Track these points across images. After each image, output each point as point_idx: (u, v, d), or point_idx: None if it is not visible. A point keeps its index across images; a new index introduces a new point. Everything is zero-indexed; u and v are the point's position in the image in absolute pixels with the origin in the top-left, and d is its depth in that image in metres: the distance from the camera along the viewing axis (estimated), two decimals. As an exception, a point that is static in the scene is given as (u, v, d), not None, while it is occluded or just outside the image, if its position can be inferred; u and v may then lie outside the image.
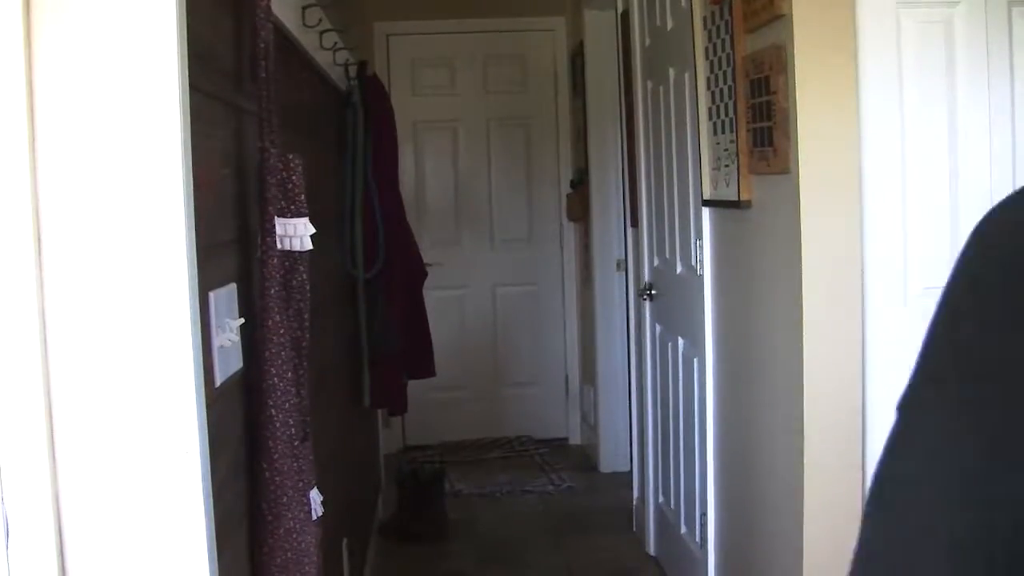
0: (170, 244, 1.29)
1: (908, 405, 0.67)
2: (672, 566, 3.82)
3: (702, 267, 3.18)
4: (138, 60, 1.27)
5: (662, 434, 3.89)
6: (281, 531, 1.66)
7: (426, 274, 4.26)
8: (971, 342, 0.60)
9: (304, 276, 1.79)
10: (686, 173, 3.33)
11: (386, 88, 4.22)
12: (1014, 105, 2.44)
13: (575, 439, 5.81)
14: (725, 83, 2.82)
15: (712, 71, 2.95)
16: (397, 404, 4.17)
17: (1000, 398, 0.55)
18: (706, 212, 3.13)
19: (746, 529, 2.90)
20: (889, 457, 0.61)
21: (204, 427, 1.34)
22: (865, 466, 2.44)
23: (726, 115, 2.83)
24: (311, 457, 1.82)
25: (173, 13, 1.28)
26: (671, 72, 3.46)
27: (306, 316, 1.81)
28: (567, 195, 5.64)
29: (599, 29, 5.07)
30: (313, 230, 1.76)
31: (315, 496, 1.85)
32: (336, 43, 3.25)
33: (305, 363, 1.82)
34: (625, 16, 4.22)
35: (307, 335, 1.82)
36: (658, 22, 3.65)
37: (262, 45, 1.71)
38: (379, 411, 4.83)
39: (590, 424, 5.56)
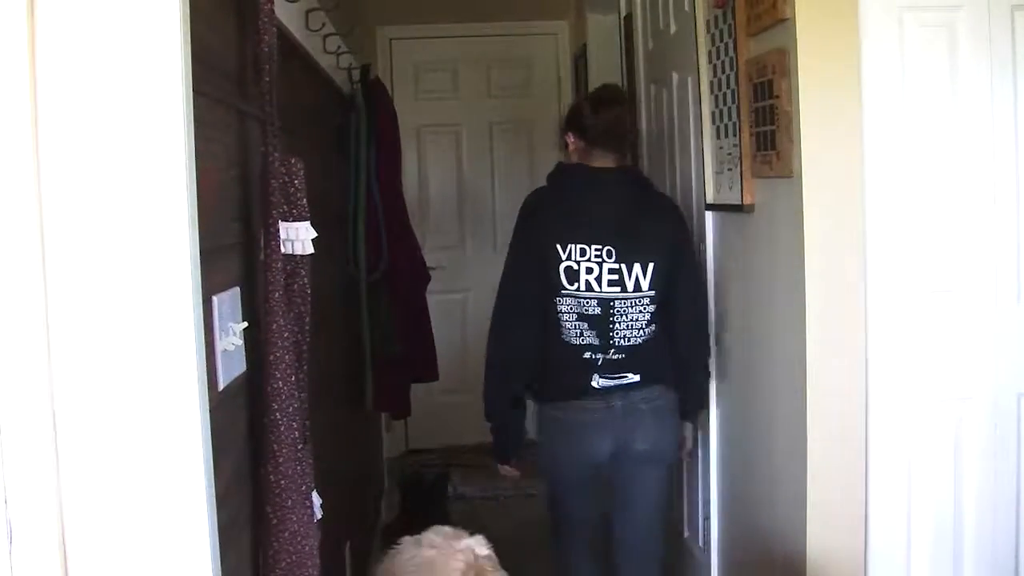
0: (173, 247, 1.29)
1: (510, 246, 2.89)
2: (675, 570, 3.81)
3: (705, 270, 3.17)
4: (141, 64, 1.27)
5: (665, 438, 3.89)
6: (286, 534, 1.66)
7: (429, 277, 4.26)
8: (519, 223, 2.85)
9: (305, 280, 1.79)
10: (689, 177, 3.33)
11: (389, 92, 4.22)
12: (1016, 107, 2.44)
13: (578, 443, 5.80)
14: (728, 87, 2.82)
15: (715, 75, 2.95)
16: (400, 407, 4.16)
17: (515, 245, 2.84)
18: (709, 216, 3.13)
19: (749, 533, 2.89)
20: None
21: (207, 431, 1.34)
22: (868, 468, 2.44)
23: (729, 119, 2.82)
24: (310, 460, 1.83)
25: (176, 17, 1.28)
26: (674, 76, 3.46)
27: (307, 320, 1.81)
28: (570, 198, 5.64)
29: (602, 33, 5.07)
30: (315, 234, 1.76)
31: (315, 499, 1.85)
32: (339, 47, 3.25)
33: (305, 366, 1.82)
34: (628, 20, 4.22)
35: (307, 338, 1.82)
36: (661, 25, 3.65)
37: (265, 49, 1.71)
38: (382, 414, 4.83)
39: (593, 428, 5.55)
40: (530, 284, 2.77)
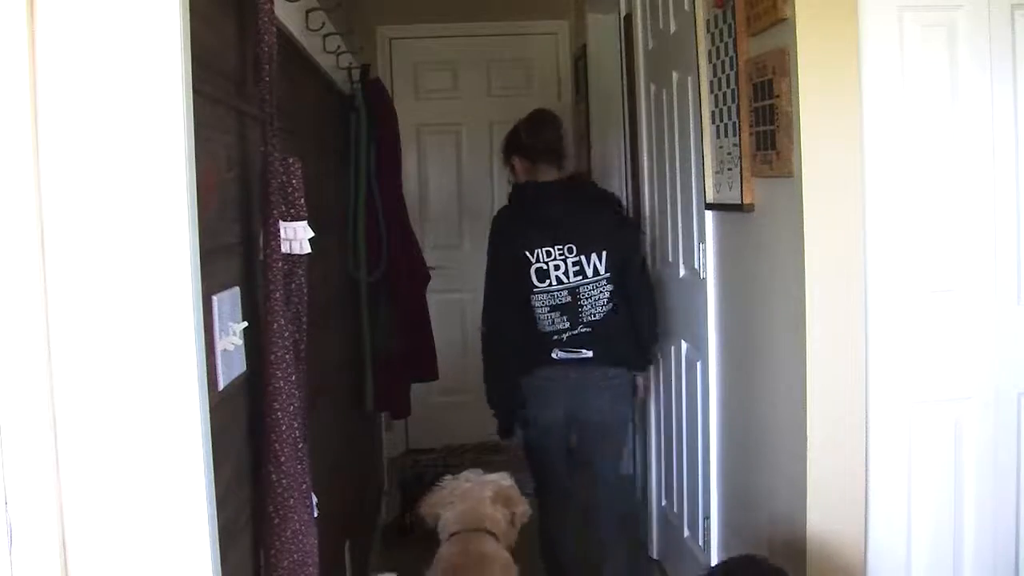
0: (173, 247, 1.29)
1: (488, 258, 3.45)
2: (675, 570, 3.81)
3: (705, 270, 3.18)
4: (141, 64, 1.27)
5: (665, 438, 3.88)
6: (288, 533, 1.66)
7: (429, 277, 4.26)
8: (492, 239, 3.44)
9: (303, 279, 1.79)
10: (689, 176, 3.33)
11: (389, 92, 4.22)
12: (1017, 107, 2.44)
13: (578, 442, 5.80)
14: (728, 86, 2.82)
15: (715, 74, 2.95)
16: (400, 407, 4.16)
17: (492, 257, 3.42)
18: (709, 215, 3.13)
19: (750, 533, 2.89)
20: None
21: (207, 432, 1.34)
22: (868, 468, 2.44)
23: (729, 118, 2.83)
24: (308, 459, 1.83)
25: (176, 17, 1.28)
26: (674, 75, 3.46)
27: (304, 319, 1.81)
28: (570, 198, 5.64)
29: (602, 32, 5.07)
30: (312, 233, 1.76)
31: (312, 497, 1.85)
32: (339, 47, 3.25)
33: (303, 365, 1.82)
34: (628, 19, 4.22)
35: (304, 337, 1.82)
36: (661, 25, 3.65)
37: (265, 49, 1.71)
38: (382, 414, 4.83)
39: (593, 427, 5.55)
40: (509, 287, 3.35)
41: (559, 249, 3.28)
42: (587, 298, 3.31)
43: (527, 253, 3.28)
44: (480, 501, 2.68)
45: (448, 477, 2.81)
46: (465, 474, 2.82)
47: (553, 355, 3.34)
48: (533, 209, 3.36)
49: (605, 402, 3.39)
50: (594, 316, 3.31)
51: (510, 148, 3.51)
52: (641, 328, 3.45)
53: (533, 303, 3.31)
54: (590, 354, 3.33)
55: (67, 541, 1.29)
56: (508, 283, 3.33)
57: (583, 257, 3.29)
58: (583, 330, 3.32)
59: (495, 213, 3.52)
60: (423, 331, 4.16)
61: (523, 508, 2.80)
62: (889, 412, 2.44)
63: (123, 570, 1.31)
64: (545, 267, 3.28)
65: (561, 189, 3.38)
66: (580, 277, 3.29)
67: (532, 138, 3.42)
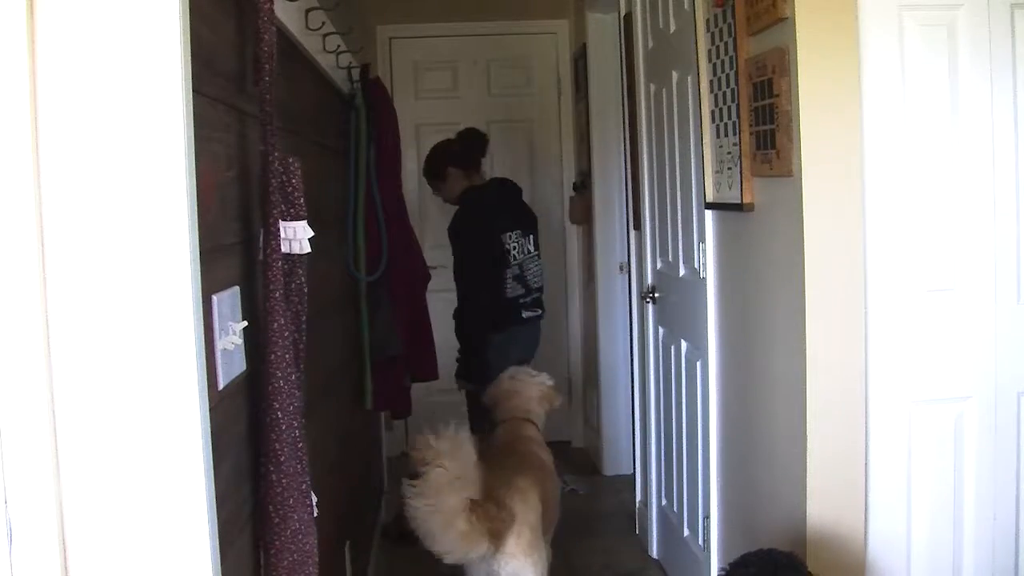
0: (173, 247, 1.29)
1: (466, 244, 4.34)
2: (675, 569, 3.81)
3: (705, 270, 3.18)
4: (141, 64, 1.28)
5: (665, 437, 3.89)
6: (288, 532, 1.66)
7: (429, 276, 4.26)
8: (470, 225, 4.28)
9: (303, 279, 1.79)
10: (689, 176, 3.33)
11: (389, 91, 4.22)
12: (1016, 106, 2.44)
13: (578, 442, 5.81)
14: (728, 86, 2.82)
15: (715, 74, 2.95)
16: (400, 406, 4.16)
17: (472, 235, 4.29)
18: (709, 215, 3.13)
19: (749, 532, 2.89)
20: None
21: (207, 431, 1.34)
22: (868, 467, 2.44)
23: (729, 118, 2.83)
24: (307, 459, 1.83)
25: (176, 17, 1.28)
26: (674, 75, 3.46)
27: (303, 318, 1.81)
28: (570, 198, 5.64)
29: (602, 32, 5.07)
30: (312, 233, 1.76)
31: (312, 497, 1.85)
32: (339, 46, 3.25)
33: (302, 365, 1.82)
34: (628, 19, 4.22)
35: (304, 337, 1.82)
36: (661, 24, 3.65)
37: (265, 49, 1.71)
38: (382, 414, 4.83)
39: (593, 427, 5.56)
40: (486, 261, 4.19)
41: (517, 232, 4.27)
42: (529, 270, 4.31)
43: (503, 236, 4.20)
44: (528, 398, 3.54)
45: (503, 374, 3.63)
46: (519, 375, 3.60)
47: (523, 315, 4.29)
48: (492, 201, 4.30)
49: (537, 342, 4.47)
50: (536, 284, 4.36)
51: (443, 161, 4.38)
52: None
53: (505, 275, 4.21)
54: (540, 312, 4.38)
55: (67, 541, 1.29)
56: (486, 258, 4.16)
57: (527, 239, 4.32)
58: (535, 295, 4.34)
59: (459, 210, 4.30)
60: (423, 331, 4.16)
61: (557, 402, 3.65)
62: (889, 411, 2.44)
63: (123, 569, 1.31)
64: (509, 246, 4.22)
65: (504, 186, 4.41)
66: (525, 253, 4.31)
67: (466, 149, 4.38)
